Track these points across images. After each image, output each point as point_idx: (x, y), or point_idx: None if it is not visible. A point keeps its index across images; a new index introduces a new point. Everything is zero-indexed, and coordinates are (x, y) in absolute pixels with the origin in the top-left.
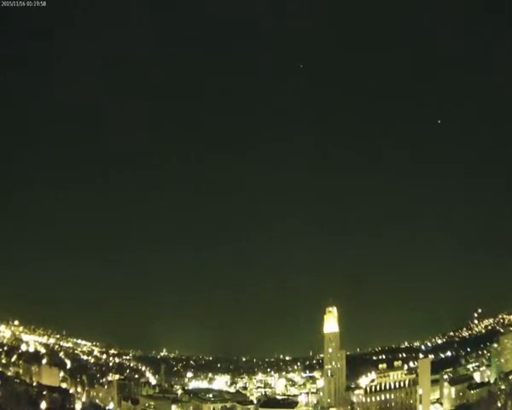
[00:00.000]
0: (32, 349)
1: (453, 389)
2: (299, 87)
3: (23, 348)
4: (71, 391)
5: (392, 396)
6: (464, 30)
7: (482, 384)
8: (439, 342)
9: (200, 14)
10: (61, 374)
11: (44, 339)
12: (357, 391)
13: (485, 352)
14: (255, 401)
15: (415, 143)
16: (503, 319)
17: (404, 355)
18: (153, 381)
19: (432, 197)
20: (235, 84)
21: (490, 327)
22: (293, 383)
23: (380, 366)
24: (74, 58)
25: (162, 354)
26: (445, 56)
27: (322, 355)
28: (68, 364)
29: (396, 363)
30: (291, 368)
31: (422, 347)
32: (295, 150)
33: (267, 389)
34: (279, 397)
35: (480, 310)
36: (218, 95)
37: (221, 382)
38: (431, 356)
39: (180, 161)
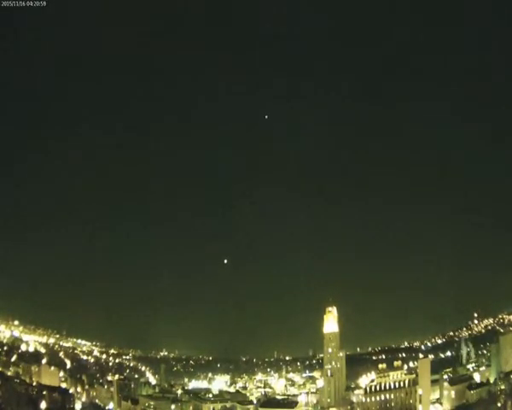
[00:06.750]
0: (32, 349)
1: (453, 389)
2: None
3: (23, 348)
4: (71, 391)
5: (392, 396)
6: None
7: (482, 384)
8: (439, 342)
9: None
10: (61, 374)
11: (44, 339)
12: (356, 391)
13: (485, 352)
14: (255, 401)
15: None
16: (502, 319)
17: (404, 355)
18: (153, 381)
19: (431, 200)
20: None
21: (490, 327)
22: (293, 383)
23: (380, 366)
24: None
25: (162, 354)
26: None
27: (322, 355)
28: (68, 364)
29: (396, 363)
30: (291, 368)
31: (422, 347)
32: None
33: (267, 389)
34: (279, 397)
35: (480, 310)
36: None
37: (221, 382)
38: (431, 356)
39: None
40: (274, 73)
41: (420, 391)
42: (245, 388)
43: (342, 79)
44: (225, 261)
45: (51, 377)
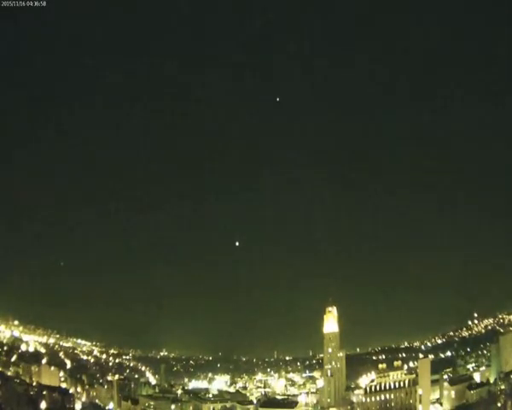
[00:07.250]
0: (32, 349)
1: (453, 389)
2: None
3: (23, 348)
4: (71, 391)
5: (392, 396)
6: None
7: (482, 384)
8: (439, 342)
9: None
10: (61, 374)
11: (44, 339)
12: (356, 391)
13: (485, 352)
14: (255, 401)
15: None
16: (502, 319)
17: (404, 355)
18: (153, 381)
19: (432, 201)
20: None
21: (490, 327)
22: (293, 383)
23: (380, 366)
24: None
25: (162, 354)
26: None
27: (322, 355)
28: (68, 364)
29: (396, 363)
30: (291, 368)
31: (422, 347)
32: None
33: (267, 389)
34: (279, 397)
35: (479, 310)
36: None
37: (221, 382)
38: (431, 356)
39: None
40: (274, 74)
41: (420, 391)
42: (245, 388)
43: (342, 79)
44: (237, 243)
45: (51, 377)
